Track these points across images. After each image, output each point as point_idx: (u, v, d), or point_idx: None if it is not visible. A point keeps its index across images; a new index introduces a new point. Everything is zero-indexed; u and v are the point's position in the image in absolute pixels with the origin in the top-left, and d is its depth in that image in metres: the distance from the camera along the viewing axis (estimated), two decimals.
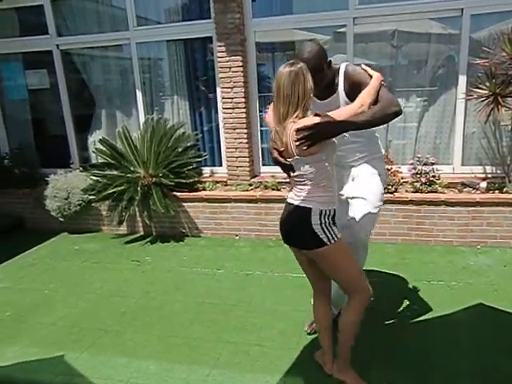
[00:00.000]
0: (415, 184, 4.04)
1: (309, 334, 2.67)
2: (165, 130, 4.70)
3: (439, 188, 4.01)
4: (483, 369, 2.30)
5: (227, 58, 4.46)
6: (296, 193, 2.07)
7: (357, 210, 2.36)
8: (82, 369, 2.51)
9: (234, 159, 4.72)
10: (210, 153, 5.06)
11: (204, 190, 4.62)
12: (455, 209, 3.86)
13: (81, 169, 4.95)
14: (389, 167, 4.17)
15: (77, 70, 5.32)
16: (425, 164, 4.11)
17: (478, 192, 3.94)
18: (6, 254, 4.38)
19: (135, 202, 4.38)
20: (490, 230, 3.83)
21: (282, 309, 3.01)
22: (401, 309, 2.92)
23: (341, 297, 2.39)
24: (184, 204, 4.57)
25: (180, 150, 4.68)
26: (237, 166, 4.71)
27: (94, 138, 5.29)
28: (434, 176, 4.05)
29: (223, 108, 4.65)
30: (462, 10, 3.98)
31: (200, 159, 4.81)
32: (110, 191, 4.40)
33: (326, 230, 2.03)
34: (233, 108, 4.59)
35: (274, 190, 4.40)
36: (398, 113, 2.09)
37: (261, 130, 4.75)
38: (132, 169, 4.57)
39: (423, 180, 4.02)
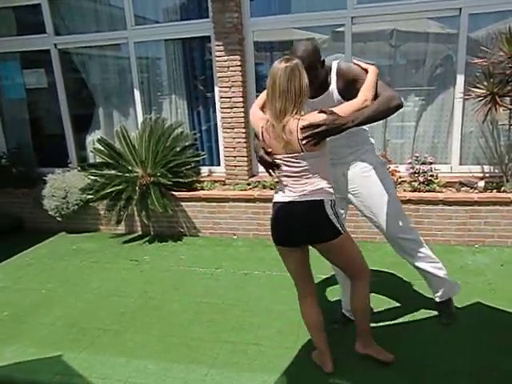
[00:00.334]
0: (413, 183, 4.05)
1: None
2: (163, 129, 4.70)
3: (437, 187, 4.01)
4: (480, 368, 2.30)
5: (225, 58, 4.46)
6: (295, 189, 2.04)
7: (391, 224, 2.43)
8: (81, 368, 2.50)
9: (232, 158, 4.72)
10: (208, 152, 5.06)
11: (202, 189, 4.62)
12: (453, 208, 3.86)
13: (79, 168, 4.94)
14: (387, 166, 4.18)
15: (75, 70, 5.31)
16: (423, 163, 4.12)
17: (476, 191, 3.95)
18: (4, 253, 4.37)
19: (133, 201, 4.38)
20: (488, 229, 3.84)
21: (279, 308, 3.02)
22: (398, 308, 2.92)
23: None
24: (182, 203, 4.57)
25: (178, 149, 4.67)
26: (235, 166, 4.71)
27: (92, 138, 5.28)
28: (432, 175, 4.05)
29: (221, 107, 4.65)
30: (460, 9, 3.98)
31: (198, 159, 4.81)
32: (108, 191, 4.40)
33: (338, 219, 2.07)
34: (231, 107, 4.58)
35: (272, 189, 4.40)
36: (400, 106, 2.11)
37: None
38: (130, 168, 4.57)
39: (421, 179, 4.02)
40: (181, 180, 4.51)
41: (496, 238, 3.84)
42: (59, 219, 4.80)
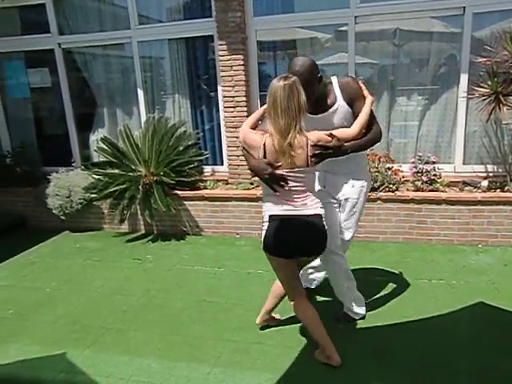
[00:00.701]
0: (416, 183, 4.04)
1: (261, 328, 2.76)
2: (166, 128, 4.71)
3: (440, 187, 4.00)
4: (480, 368, 2.30)
5: (228, 57, 4.46)
6: (297, 203, 2.15)
7: (347, 236, 2.66)
8: (84, 366, 2.52)
9: (235, 158, 4.72)
10: (211, 151, 5.07)
11: (205, 188, 4.63)
12: (456, 207, 3.86)
13: (82, 167, 4.96)
14: (390, 166, 4.17)
15: (78, 69, 5.34)
16: (426, 163, 4.11)
17: (480, 191, 3.94)
18: (8, 252, 4.40)
19: (136, 200, 4.39)
20: (491, 228, 3.83)
21: (282, 307, 3.02)
22: (401, 307, 2.92)
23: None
24: (185, 202, 4.58)
25: (181, 148, 4.68)
26: (238, 165, 4.72)
27: (96, 137, 5.29)
28: (435, 175, 4.04)
29: (224, 107, 4.65)
30: (464, 8, 3.97)
31: (201, 158, 4.81)
32: (112, 190, 4.41)
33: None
34: (234, 107, 4.59)
35: None
36: (379, 141, 2.52)
37: None
38: (133, 167, 4.58)
39: (424, 179, 4.01)
40: (184, 179, 4.52)
41: (499, 238, 3.83)
42: (63, 218, 4.82)
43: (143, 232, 4.81)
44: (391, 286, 3.21)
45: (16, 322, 3.10)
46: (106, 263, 4.06)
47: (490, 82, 3.76)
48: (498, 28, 3.91)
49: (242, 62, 4.46)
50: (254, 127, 2.30)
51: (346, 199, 2.59)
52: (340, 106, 2.39)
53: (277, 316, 2.81)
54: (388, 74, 4.54)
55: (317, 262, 2.92)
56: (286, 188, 2.12)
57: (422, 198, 3.92)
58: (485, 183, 3.97)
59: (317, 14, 4.33)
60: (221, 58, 4.50)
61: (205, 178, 4.83)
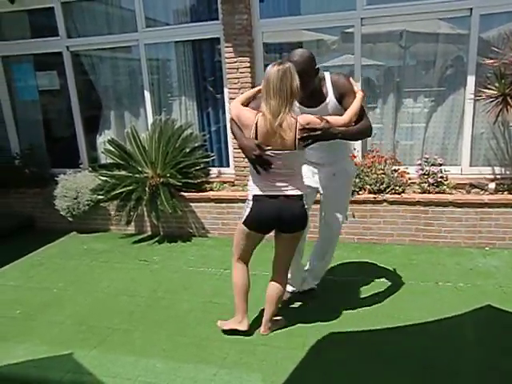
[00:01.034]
0: (423, 185, 4.03)
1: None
2: (173, 130, 4.73)
3: (447, 189, 3.99)
4: (480, 368, 2.31)
5: (235, 59, 4.48)
6: (281, 183, 2.29)
7: (337, 219, 2.84)
8: (91, 367, 2.54)
9: (242, 159, 4.73)
10: (218, 153, 5.09)
11: (211, 190, 4.65)
12: (463, 210, 3.84)
13: (90, 169, 5.00)
14: (396, 168, 4.16)
15: (86, 72, 5.38)
16: (432, 165, 4.09)
17: (487, 193, 3.92)
18: (16, 252, 4.44)
19: (143, 202, 4.42)
20: (499, 231, 3.81)
21: (287, 309, 3.02)
22: (406, 310, 2.91)
23: (299, 272, 3.03)
24: (191, 204, 4.60)
25: (188, 150, 4.70)
26: (244, 167, 4.72)
27: (103, 139, 5.33)
28: (441, 177, 4.03)
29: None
30: (471, 9, 3.96)
31: (207, 160, 4.83)
32: (119, 191, 4.44)
33: (308, 211, 2.42)
34: None
35: None
36: (369, 136, 2.64)
37: None
38: (140, 169, 4.61)
39: (431, 181, 4.00)
40: (190, 181, 4.53)
41: (507, 241, 3.81)
42: (70, 219, 4.86)
43: (150, 233, 4.83)
44: (397, 289, 3.20)
45: (24, 322, 3.13)
46: (112, 264, 4.08)
47: (497, 84, 3.75)
48: (506, 29, 3.89)
49: (248, 64, 4.47)
50: (245, 106, 2.43)
51: (328, 188, 2.72)
52: (331, 101, 2.46)
53: (279, 318, 2.82)
54: (394, 75, 4.53)
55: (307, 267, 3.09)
56: (271, 171, 2.26)
57: (429, 201, 3.91)
58: (492, 185, 3.95)
59: (323, 16, 4.33)
60: (227, 60, 4.52)
61: (211, 180, 4.85)
